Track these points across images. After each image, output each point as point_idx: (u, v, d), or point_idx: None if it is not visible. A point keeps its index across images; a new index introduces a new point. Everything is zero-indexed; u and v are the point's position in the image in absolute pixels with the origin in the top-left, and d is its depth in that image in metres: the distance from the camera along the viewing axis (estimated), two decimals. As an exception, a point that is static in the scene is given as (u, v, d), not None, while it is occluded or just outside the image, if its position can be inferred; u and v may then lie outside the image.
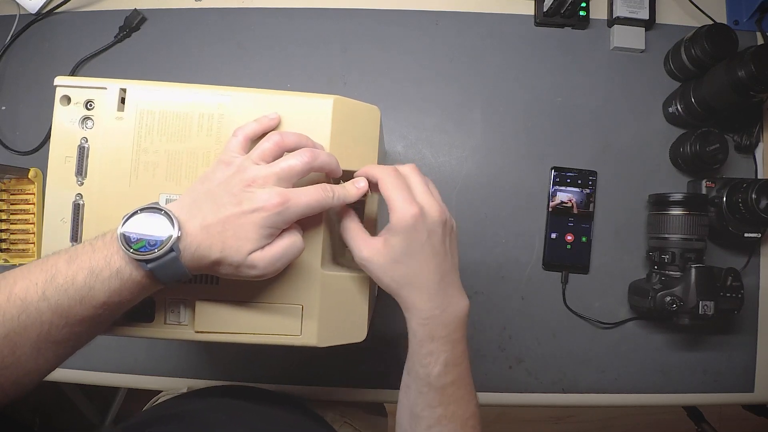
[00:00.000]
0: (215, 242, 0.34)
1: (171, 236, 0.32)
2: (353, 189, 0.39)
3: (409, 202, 0.36)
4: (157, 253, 0.32)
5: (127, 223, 0.33)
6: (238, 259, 0.34)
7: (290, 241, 0.36)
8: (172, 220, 0.33)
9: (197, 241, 0.33)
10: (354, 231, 0.39)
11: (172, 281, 0.34)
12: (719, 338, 0.67)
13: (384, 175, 0.38)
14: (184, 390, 0.65)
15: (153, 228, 0.32)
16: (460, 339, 0.39)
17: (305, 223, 0.38)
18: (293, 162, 0.35)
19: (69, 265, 0.32)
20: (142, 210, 0.33)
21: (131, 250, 0.32)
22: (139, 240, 0.32)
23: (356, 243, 0.39)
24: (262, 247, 0.35)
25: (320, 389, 0.66)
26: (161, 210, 0.33)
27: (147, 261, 0.32)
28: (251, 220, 0.34)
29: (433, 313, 0.38)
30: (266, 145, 0.36)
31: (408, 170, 0.39)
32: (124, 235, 0.32)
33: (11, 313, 0.31)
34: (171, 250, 0.32)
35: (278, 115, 0.39)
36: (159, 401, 0.64)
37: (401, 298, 0.39)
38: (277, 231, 0.35)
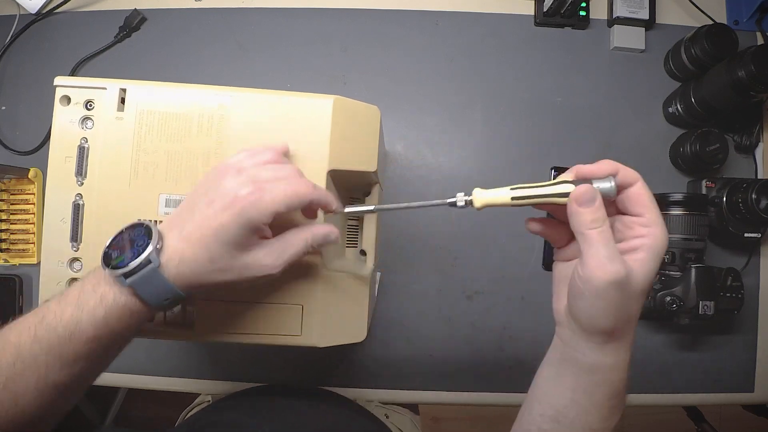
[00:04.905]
0: (199, 251, 0.31)
1: (148, 246, 0.30)
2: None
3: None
4: (133, 265, 0.30)
5: (110, 241, 0.32)
6: (237, 264, 0.32)
7: (292, 233, 0.35)
8: (150, 232, 0.31)
9: (179, 252, 0.31)
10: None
11: (160, 301, 0.31)
12: (719, 338, 0.67)
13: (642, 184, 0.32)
14: (209, 399, 0.64)
15: (135, 243, 0.31)
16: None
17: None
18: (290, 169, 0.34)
19: (59, 303, 0.31)
20: (126, 227, 0.32)
21: (109, 268, 0.30)
22: (118, 256, 0.31)
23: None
24: (259, 244, 0.33)
25: (320, 389, 0.65)
26: (143, 224, 0.32)
27: (125, 275, 0.30)
28: (225, 219, 0.31)
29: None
30: (267, 154, 0.35)
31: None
32: (105, 254, 0.31)
33: (6, 361, 0.30)
34: (149, 261, 0.30)
35: (286, 145, 0.38)
36: (189, 414, 0.62)
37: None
38: (260, 224, 0.32)
